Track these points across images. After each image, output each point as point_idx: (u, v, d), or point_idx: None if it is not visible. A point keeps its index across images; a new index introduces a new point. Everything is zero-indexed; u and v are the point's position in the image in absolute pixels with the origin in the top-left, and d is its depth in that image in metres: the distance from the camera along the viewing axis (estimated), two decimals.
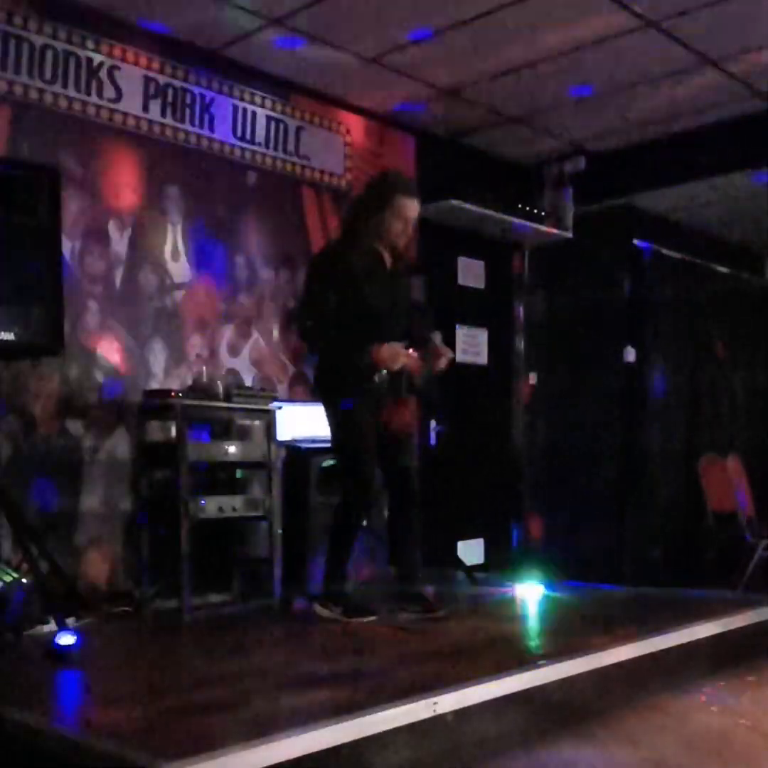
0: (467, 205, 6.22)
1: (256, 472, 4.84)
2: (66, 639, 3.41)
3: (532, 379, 7.19)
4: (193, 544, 4.40)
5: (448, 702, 2.83)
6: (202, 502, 4.42)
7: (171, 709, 2.91)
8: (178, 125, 5.15)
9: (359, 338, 3.97)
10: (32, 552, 3.91)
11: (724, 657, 4.01)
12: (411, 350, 4.07)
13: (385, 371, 4.00)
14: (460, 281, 6.82)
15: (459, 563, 5.58)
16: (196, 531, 4.41)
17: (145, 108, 5.00)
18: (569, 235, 6.94)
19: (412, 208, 4.09)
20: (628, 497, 6.94)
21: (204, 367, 5.06)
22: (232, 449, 4.66)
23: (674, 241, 7.45)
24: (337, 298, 4.00)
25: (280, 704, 2.92)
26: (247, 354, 5.45)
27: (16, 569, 3.97)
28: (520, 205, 6.59)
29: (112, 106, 4.87)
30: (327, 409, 4.18)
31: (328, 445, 4.39)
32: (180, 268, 5.17)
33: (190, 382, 4.90)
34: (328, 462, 4.74)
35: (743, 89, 5.73)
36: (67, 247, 4.59)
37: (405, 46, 5.19)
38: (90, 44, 4.78)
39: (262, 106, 5.54)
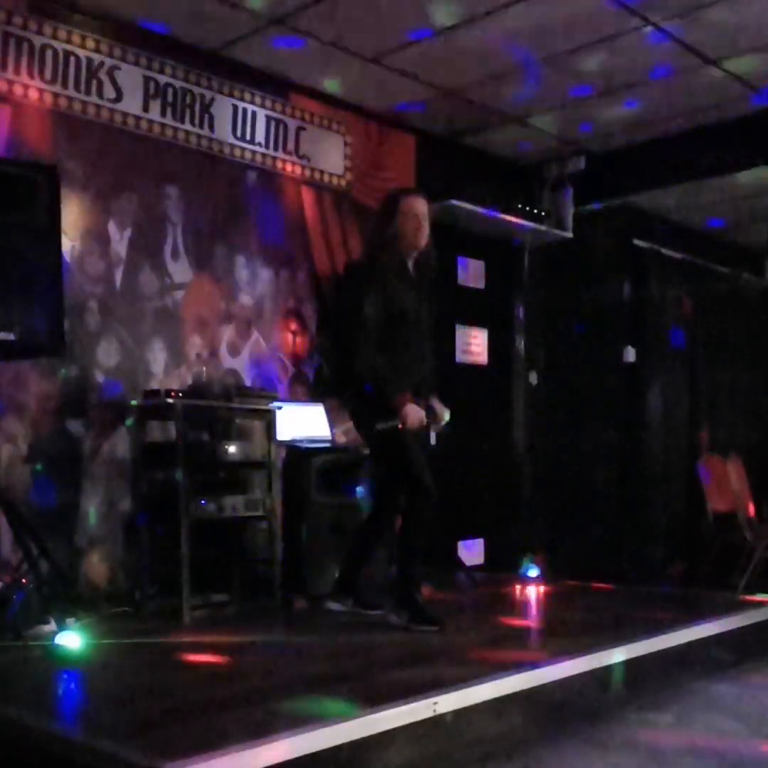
0: (467, 205, 6.22)
1: (256, 472, 4.84)
2: (66, 639, 3.41)
3: (533, 378, 7.19)
4: (193, 544, 4.40)
5: (448, 702, 2.83)
6: (202, 502, 4.42)
7: (171, 709, 2.91)
8: (178, 125, 5.15)
9: (392, 350, 4.02)
10: (32, 552, 3.91)
11: (724, 657, 4.01)
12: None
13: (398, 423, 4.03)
14: (460, 281, 6.82)
15: (459, 563, 5.58)
16: (196, 531, 4.41)
17: (145, 108, 5.00)
18: (569, 235, 6.94)
19: (418, 202, 4.16)
20: (628, 497, 6.94)
21: (204, 367, 5.07)
22: (232, 449, 4.66)
23: (674, 241, 7.45)
24: (375, 300, 4.03)
25: (280, 704, 2.92)
26: (247, 354, 5.46)
27: (16, 569, 3.97)
28: (520, 205, 6.59)
29: (112, 106, 4.87)
30: (366, 432, 4.21)
31: (329, 445, 4.41)
32: (180, 268, 5.18)
33: (190, 382, 4.90)
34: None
35: (743, 89, 5.73)
36: (67, 247, 4.59)
37: (405, 46, 5.19)
38: (90, 44, 4.78)
39: (262, 106, 5.54)
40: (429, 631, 3.96)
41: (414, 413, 4.03)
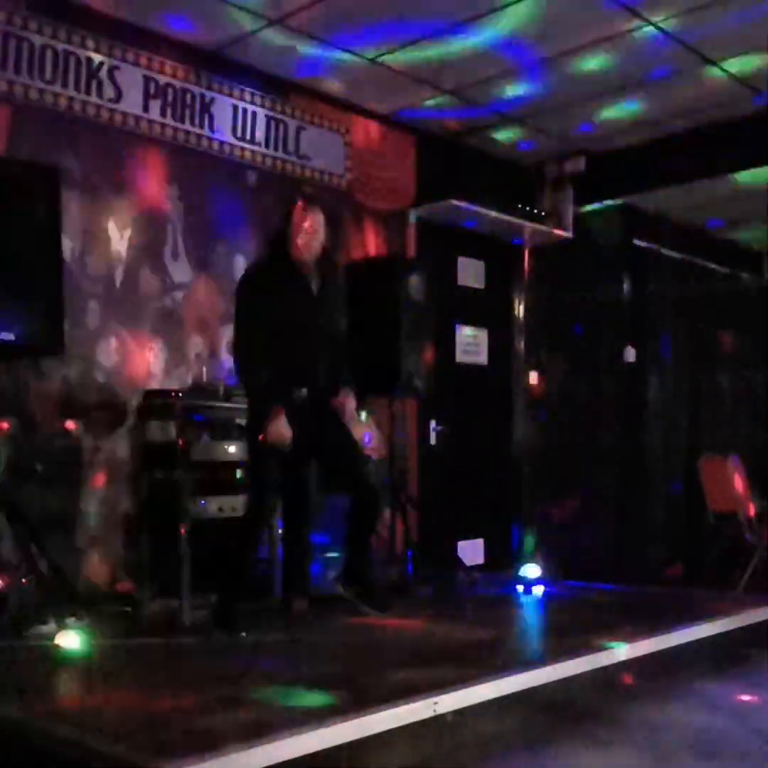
0: (467, 205, 6.22)
1: None
2: (66, 639, 3.41)
3: (533, 378, 7.20)
4: (193, 544, 4.40)
5: (448, 702, 2.83)
6: (202, 502, 4.42)
7: (171, 709, 2.91)
8: (178, 125, 5.15)
9: (275, 359, 3.98)
10: (32, 552, 3.91)
11: (724, 657, 4.01)
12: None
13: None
14: (460, 281, 6.82)
15: (459, 563, 5.58)
16: (196, 531, 4.41)
17: (145, 108, 5.00)
18: (569, 235, 6.94)
19: (301, 212, 4.09)
20: (628, 497, 6.94)
21: (204, 367, 5.06)
22: (232, 449, 4.66)
23: (674, 241, 7.45)
24: (258, 306, 4.05)
25: (280, 704, 2.92)
26: None
27: (16, 569, 3.97)
28: (520, 205, 6.60)
29: (112, 106, 4.87)
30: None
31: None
32: (180, 268, 5.17)
33: (190, 382, 4.90)
34: None
35: (743, 89, 5.73)
36: (67, 247, 4.58)
37: (405, 46, 5.19)
38: (90, 44, 4.78)
39: (262, 106, 5.53)
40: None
41: (276, 429, 3.93)
